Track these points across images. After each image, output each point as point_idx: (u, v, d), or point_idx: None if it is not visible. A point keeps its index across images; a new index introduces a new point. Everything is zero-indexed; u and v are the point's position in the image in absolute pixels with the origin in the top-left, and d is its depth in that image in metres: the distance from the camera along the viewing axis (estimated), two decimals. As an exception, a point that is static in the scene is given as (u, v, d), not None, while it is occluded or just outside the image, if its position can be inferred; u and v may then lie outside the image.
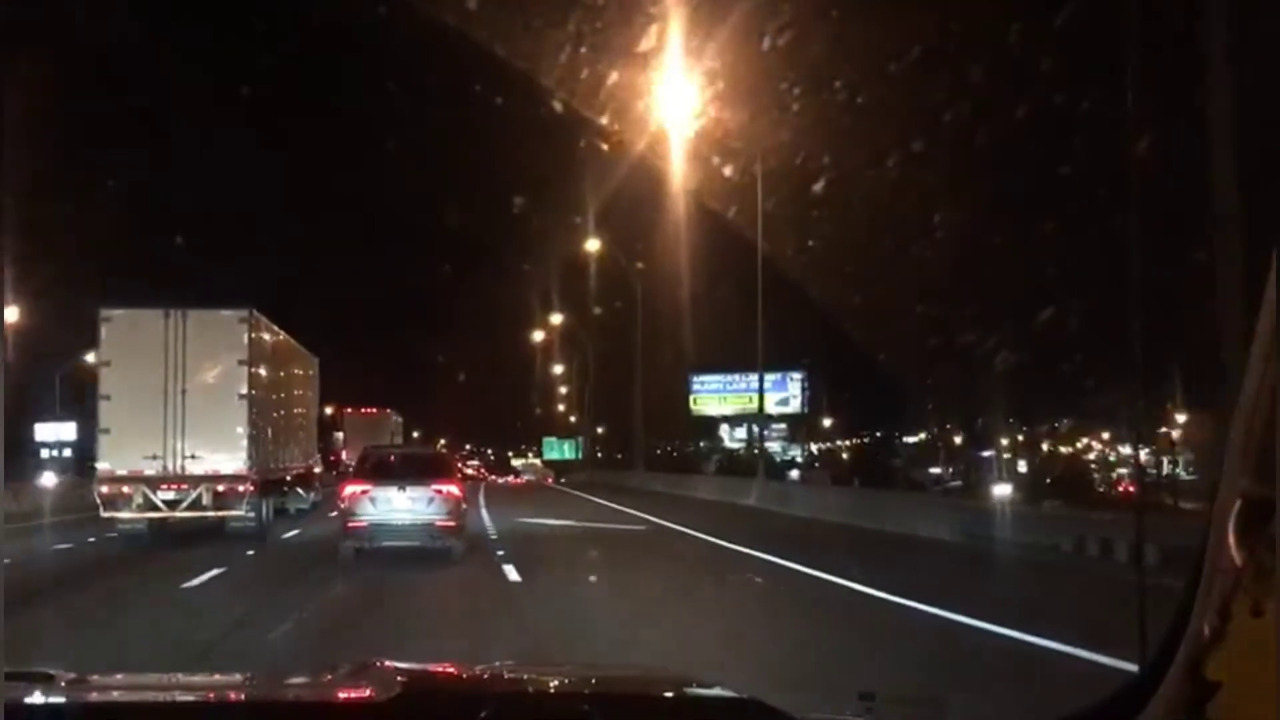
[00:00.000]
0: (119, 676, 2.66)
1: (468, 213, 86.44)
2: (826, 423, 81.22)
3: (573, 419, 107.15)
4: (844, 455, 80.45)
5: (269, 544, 21.71)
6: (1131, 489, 46.20)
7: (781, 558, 18.06)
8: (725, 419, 72.39)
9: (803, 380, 69.85)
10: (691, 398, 70.90)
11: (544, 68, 25.95)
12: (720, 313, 55.28)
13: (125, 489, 21.88)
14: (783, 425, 72.24)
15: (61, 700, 2.19)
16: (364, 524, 17.44)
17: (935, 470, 59.99)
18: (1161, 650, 1.55)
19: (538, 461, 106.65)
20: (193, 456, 22.09)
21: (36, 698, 2.10)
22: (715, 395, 70.30)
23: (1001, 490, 32.08)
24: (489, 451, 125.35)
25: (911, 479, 54.84)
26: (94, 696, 2.27)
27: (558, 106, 27.44)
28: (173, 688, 2.60)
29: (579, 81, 24.94)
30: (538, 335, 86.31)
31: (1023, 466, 56.90)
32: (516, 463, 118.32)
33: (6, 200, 25.58)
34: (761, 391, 44.15)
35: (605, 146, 34.23)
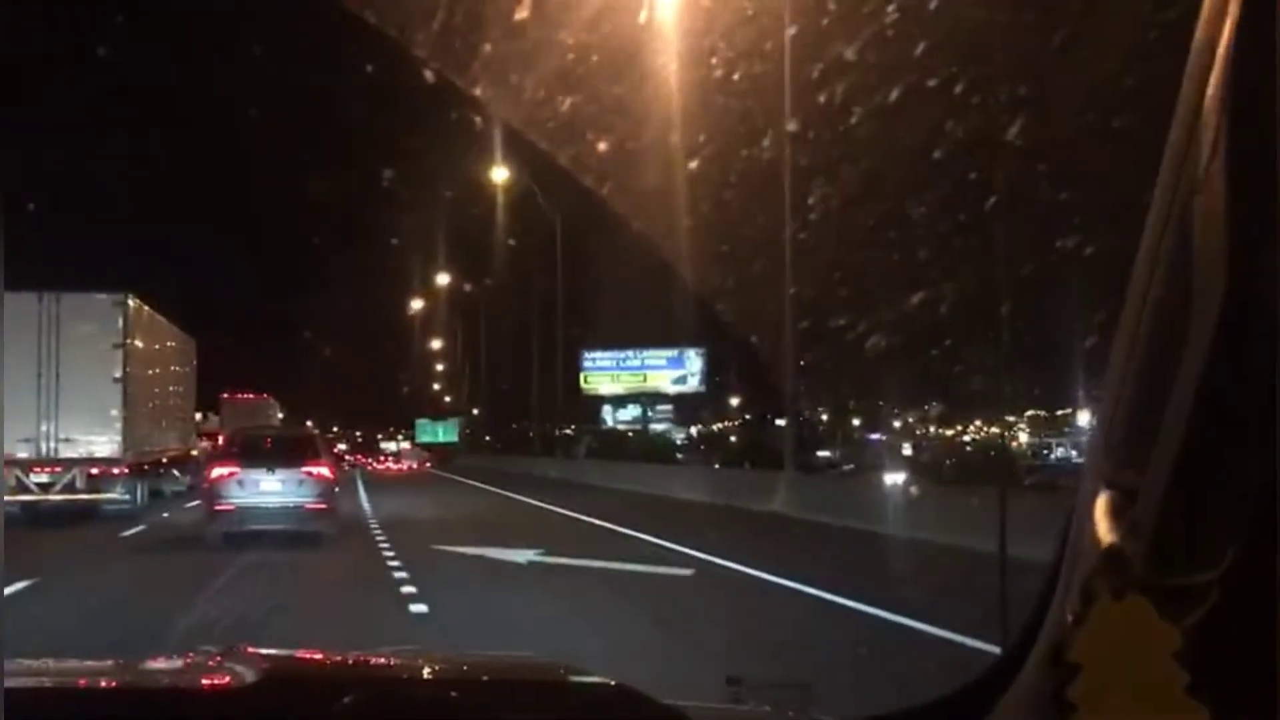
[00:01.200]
0: None
1: (337, 185, 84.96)
2: (734, 402, 75.39)
3: (448, 399, 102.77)
4: (731, 438, 74.62)
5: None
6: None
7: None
8: (620, 399, 67.42)
9: (703, 357, 64.08)
10: (583, 376, 65.28)
11: (416, 36, 25.59)
12: (602, 290, 55.22)
13: None
14: (668, 406, 68.92)
15: None
16: (231, 507, 17.02)
17: (825, 453, 58.29)
18: (1024, 633, 1.58)
19: (407, 445, 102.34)
20: (66, 439, 22.45)
21: None
22: (608, 373, 65.21)
23: (893, 476, 31.39)
24: (357, 433, 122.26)
25: (804, 462, 52.96)
26: None
27: (429, 76, 27.12)
28: (20, 674, 2.52)
29: (451, 51, 24.66)
30: (412, 309, 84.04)
31: (907, 450, 56.37)
32: (387, 446, 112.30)
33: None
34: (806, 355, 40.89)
35: (478, 119, 34.00)
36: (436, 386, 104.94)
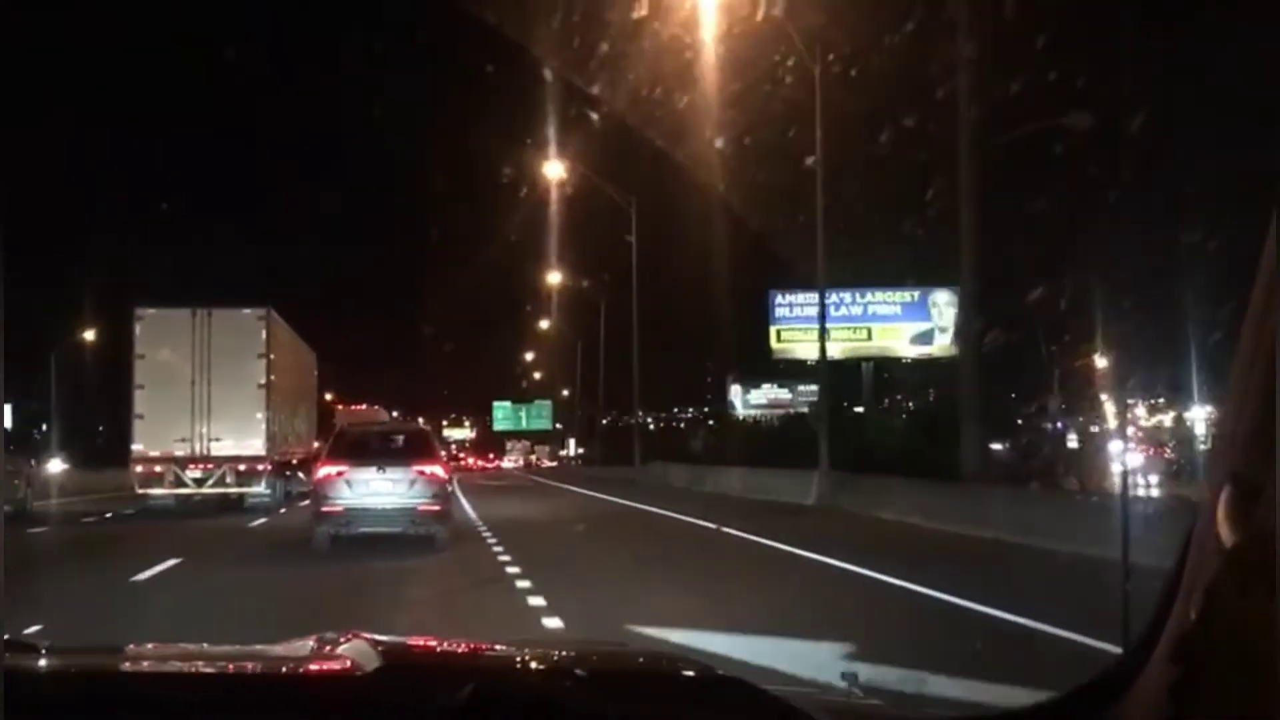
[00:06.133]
0: (98, 648, 2.65)
1: (450, 180, 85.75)
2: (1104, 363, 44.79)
3: (537, 375, 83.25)
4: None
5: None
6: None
7: None
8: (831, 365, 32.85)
9: (955, 303, 35.11)
10: (773, 330, 41.40)
11: (534, 35, 25.86)
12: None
13: (158, 468, 24.33)
14: (812, 386, 43.56)
15: (41, 668, 2.18)
16: (339, 509, 15.69)
17: (997, 446, 42.17)
18: (1147, 632, 1.55)
19: (472, 434, 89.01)
20: (217, 440, 24.43)
21: (18, 665, 2.08)
22: (813, 327, 32.26)
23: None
24: (419, 420, 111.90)
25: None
26: (71, 666, 2.26)
27: (548, 75, 27.34)
28: (148, 658, 2.60)
29: (569, 50, 24.86)
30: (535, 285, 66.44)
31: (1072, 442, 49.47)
32: (452, 434, 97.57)
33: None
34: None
35: (595, 116, 34.14)
36: (530, 356, 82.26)
